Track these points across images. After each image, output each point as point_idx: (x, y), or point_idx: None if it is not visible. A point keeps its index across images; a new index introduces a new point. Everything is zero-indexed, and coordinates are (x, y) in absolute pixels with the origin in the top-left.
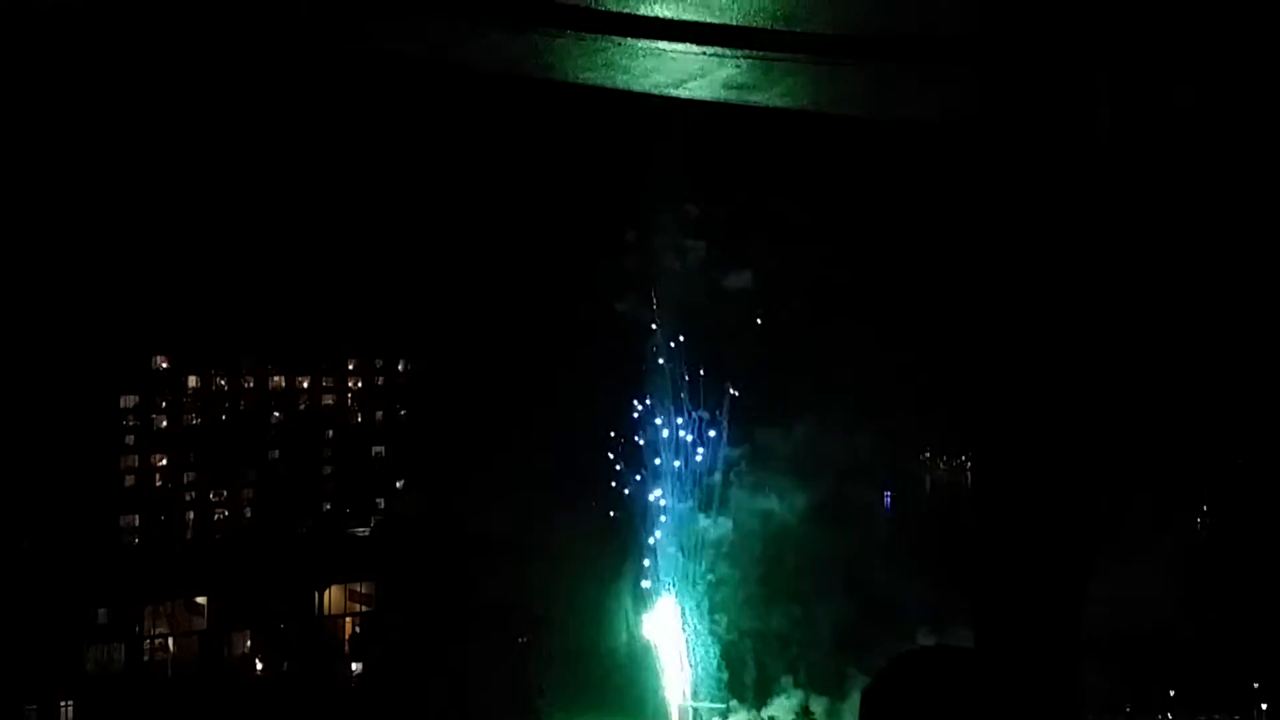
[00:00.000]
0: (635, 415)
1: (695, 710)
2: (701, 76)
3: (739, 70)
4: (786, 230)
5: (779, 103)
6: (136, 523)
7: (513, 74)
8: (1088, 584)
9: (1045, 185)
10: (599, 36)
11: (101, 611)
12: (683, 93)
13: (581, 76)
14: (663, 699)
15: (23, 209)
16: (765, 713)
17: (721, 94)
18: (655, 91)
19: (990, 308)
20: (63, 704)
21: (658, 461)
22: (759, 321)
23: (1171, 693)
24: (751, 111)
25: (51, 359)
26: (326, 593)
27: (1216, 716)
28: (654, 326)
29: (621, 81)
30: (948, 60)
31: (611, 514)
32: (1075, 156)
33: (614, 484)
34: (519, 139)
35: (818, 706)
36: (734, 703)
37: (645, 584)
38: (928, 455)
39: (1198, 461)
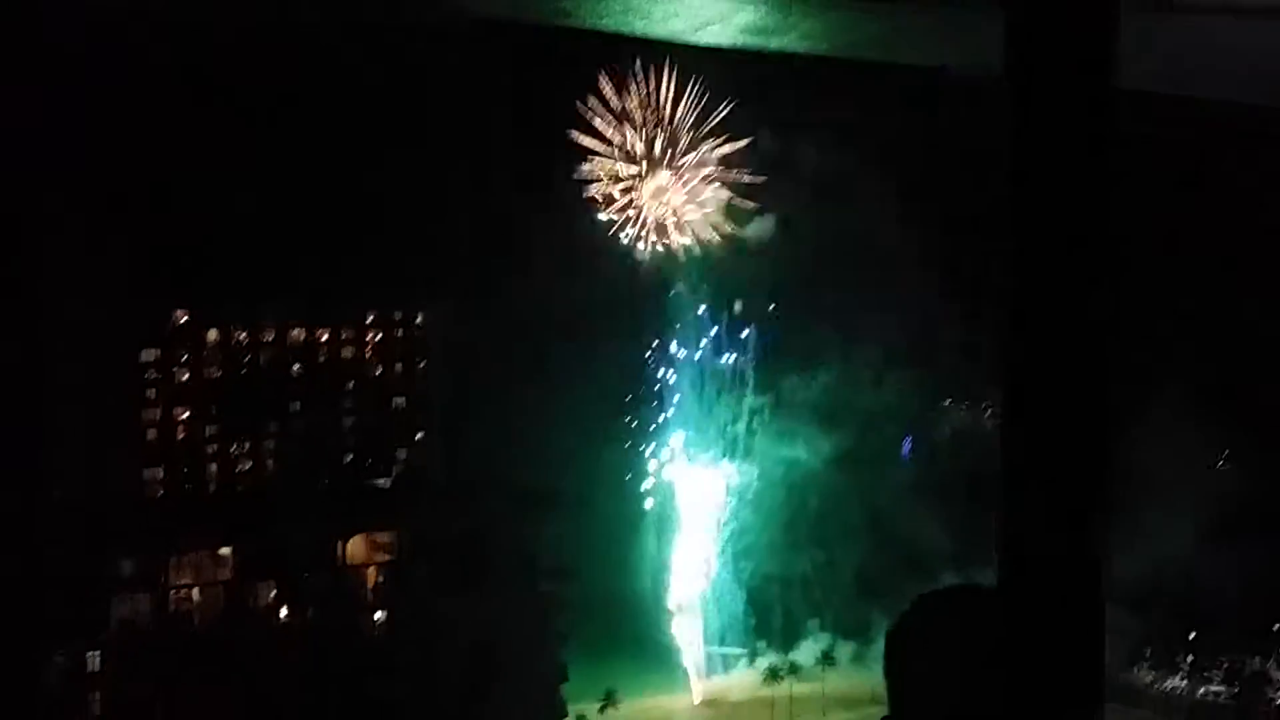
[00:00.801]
0: (660, 360)
1: (724, 656)
2: (720, 21)
3: (758, 15)
4: (814, 176)
5: (797, 47)
6: (160, 475)
7: (532, 23)
8: (1108, 523)
9: (1069, 132)
10: None
11: (127, 563)
12: (702, 38)
13: (600, 23)
14: (684, 646)
15: (41, 166)
16: (791, 656)
17: (740, 39)
18: (674, 38)
19: (1016, 256)
20: (89, 654)
21: (682, 409)
22: (783, 269)
23: (1192, 635)
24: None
25: (73, 314)
26: (349, 543)
27: (1238, 657)
28: (679, 284)
29: (640, 27)
30: (966, 4)
31: (630, 476)
32: (1098, 103)
33: (636, 433)
34: (535, 88)
35: (844, 651)
36: (762, 644)
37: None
38: (949, 401)
39: (1221, 405)
